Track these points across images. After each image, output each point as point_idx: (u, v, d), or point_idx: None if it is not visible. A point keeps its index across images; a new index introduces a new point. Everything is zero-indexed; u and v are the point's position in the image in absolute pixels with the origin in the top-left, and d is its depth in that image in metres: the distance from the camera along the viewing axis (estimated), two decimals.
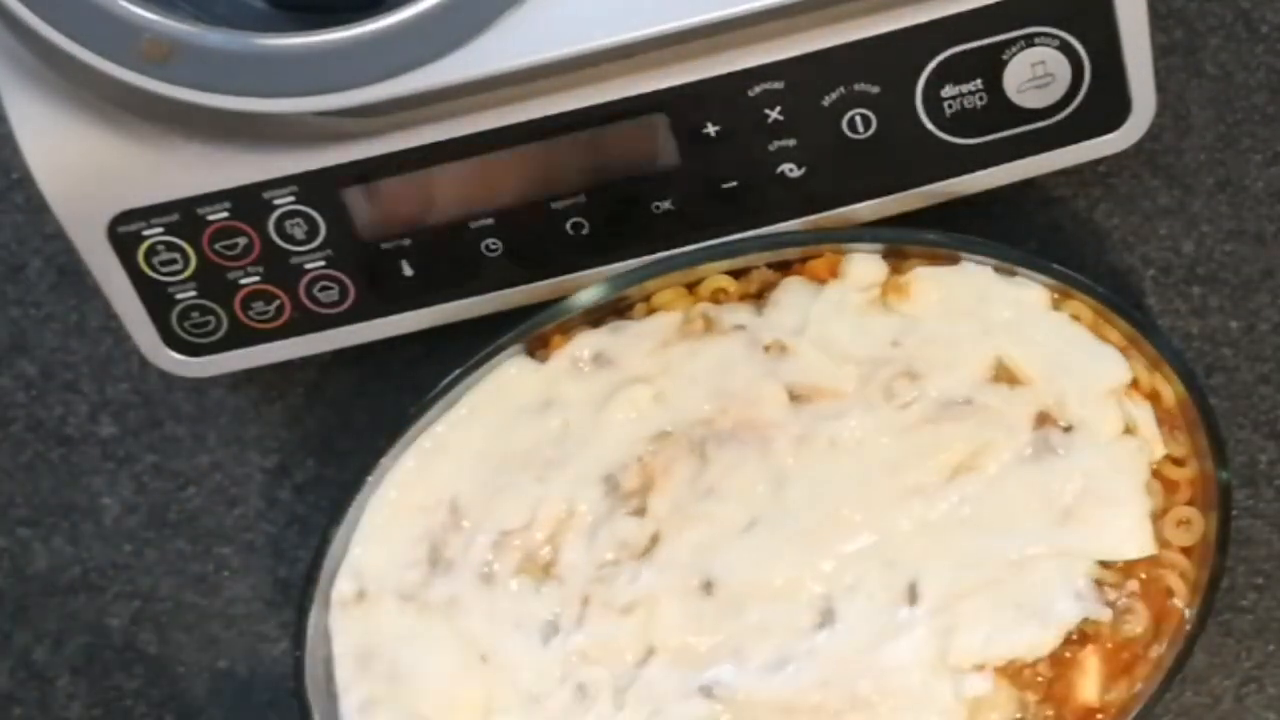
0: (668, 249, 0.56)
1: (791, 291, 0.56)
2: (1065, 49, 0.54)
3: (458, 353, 0.56)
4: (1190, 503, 0.57)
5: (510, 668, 0.57)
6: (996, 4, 0.53)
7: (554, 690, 0.57)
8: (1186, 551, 0.57)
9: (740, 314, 0.57)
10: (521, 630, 0.57)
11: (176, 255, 0.55)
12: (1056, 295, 0.56)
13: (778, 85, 0.54)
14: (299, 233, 0.55)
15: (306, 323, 0.57)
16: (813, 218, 0.56)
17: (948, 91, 0.54)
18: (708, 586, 0.57)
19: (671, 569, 0.57)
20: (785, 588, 0.56)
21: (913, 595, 0.56)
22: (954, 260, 0.56)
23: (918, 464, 0.56)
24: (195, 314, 0.56)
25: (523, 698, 0.57)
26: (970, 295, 0.56)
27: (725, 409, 0.57)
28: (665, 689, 0.57)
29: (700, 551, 0.57)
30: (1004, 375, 0.57)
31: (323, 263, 0.56)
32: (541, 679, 0.57)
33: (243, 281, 0.56)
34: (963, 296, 0.56)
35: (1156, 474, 0.57)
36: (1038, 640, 0.56)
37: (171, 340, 0.57)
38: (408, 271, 0.56)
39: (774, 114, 0.54)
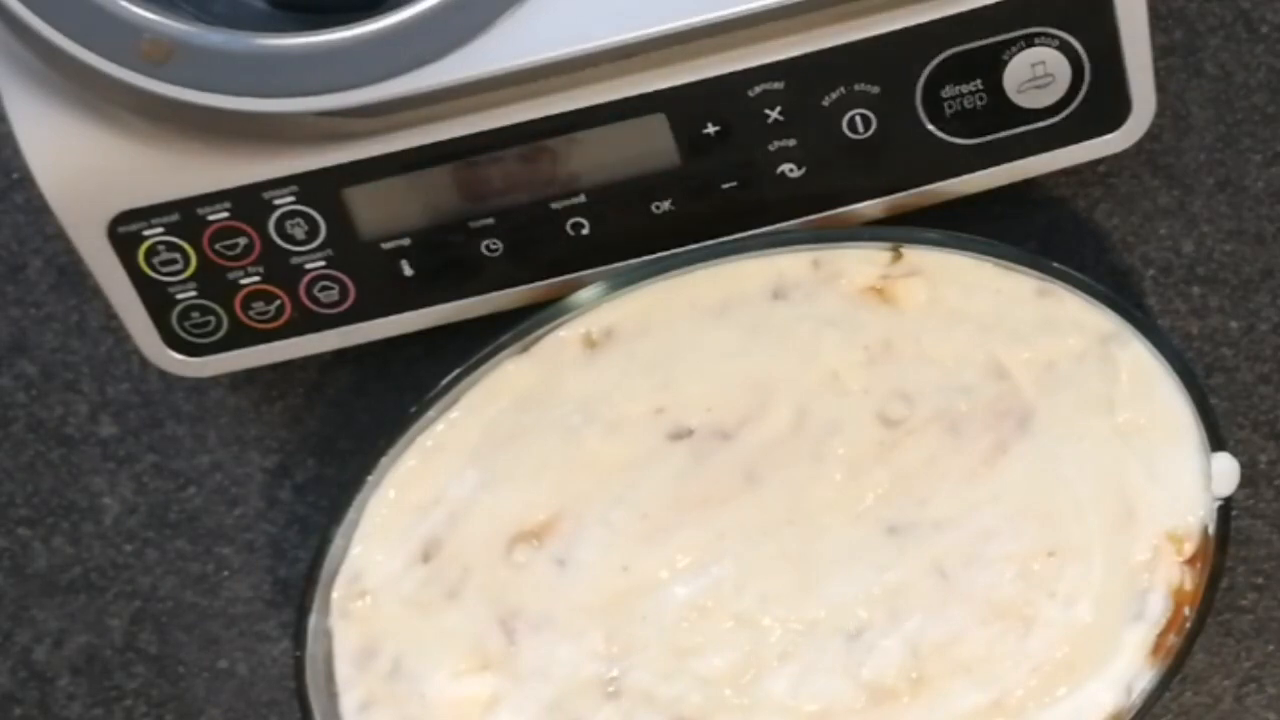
0: (668, 249, 0.56)
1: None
2: (1065, 49, 0.54)
3: (458, 353, 0.56)
4: None
5: (512, 665, 0.57)
6: (996, 4, 0.53)
7: (556, 687, 0.57)
8: None
9: None
10: (523, 628, 0.57)
11: (177, 255, 0.55)
12: None
13: (778, 85, 0.54)
14: (299, 233, 0.55)
15: (306, 323, 0.57)
16: (813, 218, 0.56)
17: (948, 91, 0.54)
18: (713, 579, 0.57)
19: (678, 563, 0.57)
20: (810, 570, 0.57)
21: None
22: (953, 260, 0.56)
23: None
24: (195, 314, 0.56)
25: (525, 695, 0.57)
26: (970, 294, 0.56)
27: None
28: (672, 685, 0.57)
29: (709, 543, 0.57)
30: (1003, 373, 0.57)
31: (323, 263, 0.56)
32: (544, 676, 0.57)
33: (243, 281, 0.56)
34: (962, 296, 0.56)
35: None
36: None
37: (172, 340, 0.57)
38: (408, 271, 0.56)
39: (774, 114, 0.54)
